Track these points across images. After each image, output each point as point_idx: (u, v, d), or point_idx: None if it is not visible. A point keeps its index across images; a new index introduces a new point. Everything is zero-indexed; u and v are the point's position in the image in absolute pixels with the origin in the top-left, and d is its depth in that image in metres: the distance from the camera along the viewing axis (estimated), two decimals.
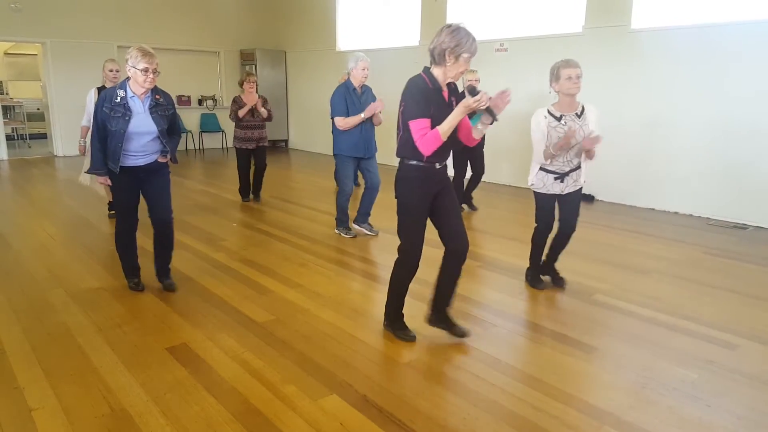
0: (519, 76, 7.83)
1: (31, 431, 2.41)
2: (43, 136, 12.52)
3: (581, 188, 3.96)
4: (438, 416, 2.55)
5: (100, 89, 5.55)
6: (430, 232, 3.14)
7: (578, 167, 3.90)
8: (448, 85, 3.03)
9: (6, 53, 13.40)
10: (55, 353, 3.10)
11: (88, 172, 3.77)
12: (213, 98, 12.83)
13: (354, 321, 3.58)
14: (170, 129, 3.86)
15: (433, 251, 3.34)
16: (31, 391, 2.71)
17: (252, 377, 2.86)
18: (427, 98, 2.89)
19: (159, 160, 3.82)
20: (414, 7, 9.74)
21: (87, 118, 5.57)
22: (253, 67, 12.58)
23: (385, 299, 3.34)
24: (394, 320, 3.33)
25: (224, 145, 12.81)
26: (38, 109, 13.10)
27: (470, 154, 6.37)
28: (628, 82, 6.94)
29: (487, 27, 8.72)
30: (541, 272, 4.24)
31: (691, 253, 5.17)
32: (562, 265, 4.23)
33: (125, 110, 3.56)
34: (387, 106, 5.19)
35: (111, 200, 5.70)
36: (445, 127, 2.85)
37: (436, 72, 2.94)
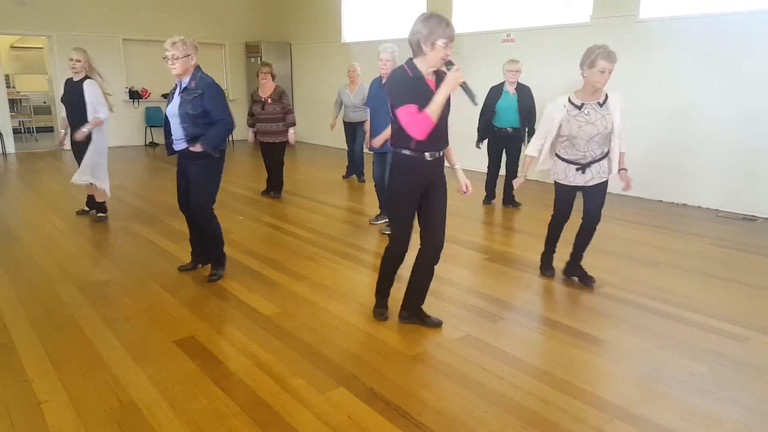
0: (526, 66, 7.76)
1: (39, 424, 2.42)
2: (50, 129, 12.56)
3: (607, 180, 3.87)
4: (445, 409, 2.55)
5: (70, 82, 5.54)
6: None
7: (603, 157, 3.81)
8: (437, 73, 3.00)
9: (12, 47, 13.41)
10: (64, 346, 3.11)
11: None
12: None
13: (361, 314, 3.57)
14: (206, 117, 3.85)
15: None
16: (40, 384, 2.72)
17: (259, 370, 2.86)
18: (409, 86, 2.92)
19: (190, 149, 3.87)
20: None
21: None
22: (258, 59, 12.55)
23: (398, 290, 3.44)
24: (378, 297, 3.53)
25: (230, 137, 12.80)
26: (45, 102, 13.13)
27: (507, 148, 6.34)
28: (637, 73, 6.87)
29: (494, 17, 8.65)
30: (570, 273, 4.15)
31: (699, 244, 5.13)
32: (566, 256, 4.20)
33: (171, 96, 3.94)
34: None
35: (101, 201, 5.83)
36: (433, 107, 2.85)
37: (418, 62, 2.96)
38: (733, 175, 6.32)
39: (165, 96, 12.01)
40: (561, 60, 7.61)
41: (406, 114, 2.86)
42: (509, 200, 6.54)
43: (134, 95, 11.78)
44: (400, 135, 3.00)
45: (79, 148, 5.52)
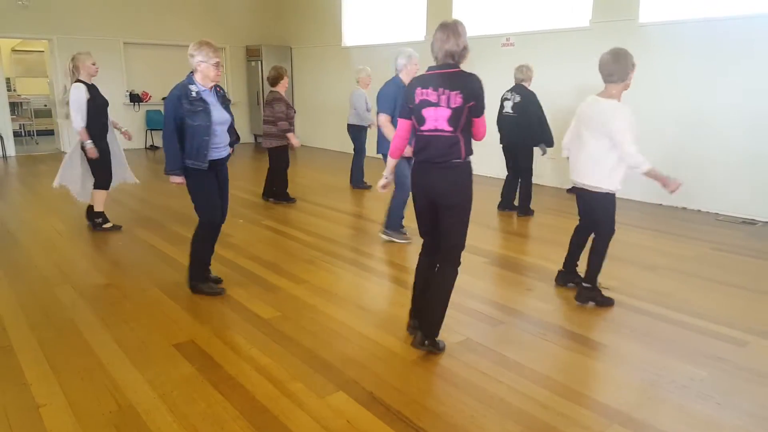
0: None
1: (38, 427, 2.41)
2: (50, 133, 12.58)
3: None
4: (445, 414, 2.54)
5: (88, 85, 5.15)
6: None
7: None
8: None
9: (13, 50, 13.44)
10: (63, 349, 3.11)
11: (166, 173, 3.63)
12: None
13: (361, 318, 3.57)
14: None
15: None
16: (39, 388, 2.72)
17: (259, 374, 2.86)
18: None
19: (230, 152, 3.91)
20: (419, 2, 9.69)
21: (83, 117, 5.06)
22: (259, 62, 12.57)
23: (434, 309, 3.10)
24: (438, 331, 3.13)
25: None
26: (45, 105, 13.15)
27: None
28: (636, 77, 6.79)
29: (494, 21, 8.67)
30: (570, 280, 4.07)
31: (699, 249, 5.13)
32: (555, 262, 4.19)
33: (204, 104, 3.60)
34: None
35: (101, 210, 5.46)
36: None
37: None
38: (732, 179, 6.32)
39: (165, 99, 12.01)
40: (561, 64, 7.63)
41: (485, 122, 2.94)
42: (513, 206, 6.51)
43: (135, 98, 11.80)
44: (470, 142, 2.94)
45: (114, 152, 5.47)
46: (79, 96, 5.06)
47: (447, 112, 2.82)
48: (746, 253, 5.03)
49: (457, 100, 2.79)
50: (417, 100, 2.88)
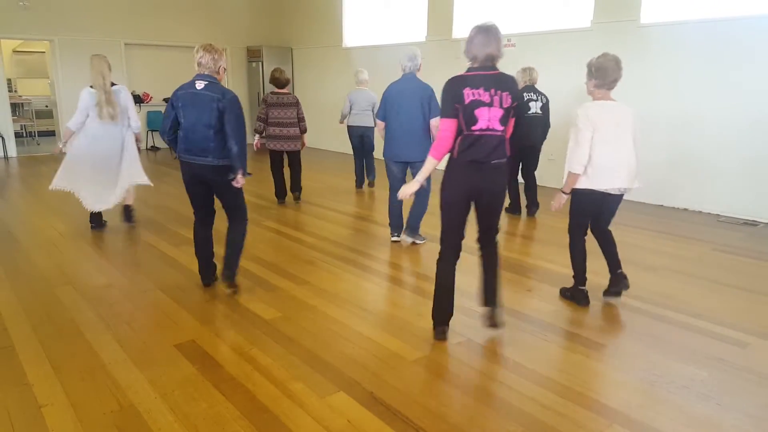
0: None
1: (40, 427, 2.42)
2: (52, 134, 12.60)
3: None
4: (445, 414, 2.55)
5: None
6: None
7: None
8: None
9: (14, 51, 13.46)
10: (64, 350, 3.12)
11: (245, 175, 3.80)
12: None
13: (361, 318, 3.58)
14: None
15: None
16: (41, 388, 2.73)
17: (260, 374, 2.87)
18: None
19: None
20: (421, 3, 9.70)
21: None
22: (260, 63, 12.59)
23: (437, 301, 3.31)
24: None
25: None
26: (46, 106, 13.17)
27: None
28: (638, 78, 6.89)
29: (495, 22, 8.68)
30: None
31: (700, 249, 5.13)
32: (567, 261, 4.19)
33: None
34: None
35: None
36: None
37: None
38: (733, 180, 6.33)
39: (166, 100, 12.05)
40: (562, 65, 7.64)
41: None
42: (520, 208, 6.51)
43: (136, 99, 11.80)
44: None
45: None
46: (131, 97, 5.32)
47: (500, 112, 2.92)
48: (747, 254, 5.03)
49: (507, 100, 2.93)
50: (467, 100, 2.89)
